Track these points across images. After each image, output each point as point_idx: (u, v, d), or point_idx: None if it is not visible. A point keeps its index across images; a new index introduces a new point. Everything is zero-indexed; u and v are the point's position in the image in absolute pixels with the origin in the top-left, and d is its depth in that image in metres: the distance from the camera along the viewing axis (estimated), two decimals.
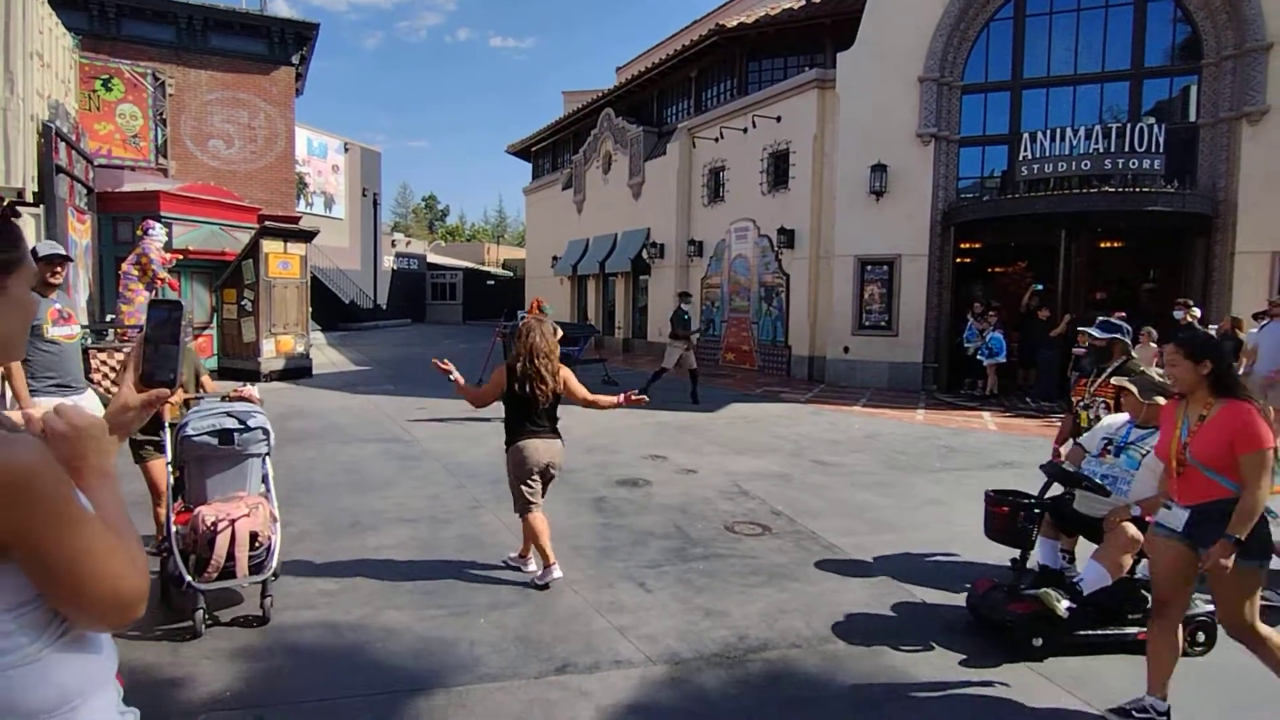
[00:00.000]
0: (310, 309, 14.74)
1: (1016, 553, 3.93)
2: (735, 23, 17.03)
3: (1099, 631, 3.71)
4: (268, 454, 4.14)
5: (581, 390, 4.51)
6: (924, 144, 13.66)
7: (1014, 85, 13.76)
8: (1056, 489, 4.14)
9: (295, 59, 18.11)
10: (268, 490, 4.09)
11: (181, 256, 13.26)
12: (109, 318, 11.24)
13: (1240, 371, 9.63)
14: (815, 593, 4.36)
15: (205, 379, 4.71)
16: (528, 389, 4.25)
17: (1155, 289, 14.42)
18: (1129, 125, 12.02)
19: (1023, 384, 13.69)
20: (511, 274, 42.72)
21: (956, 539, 5.35)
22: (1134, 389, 3.96)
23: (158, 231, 10.33)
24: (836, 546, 5.16)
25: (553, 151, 29.37)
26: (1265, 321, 9.13)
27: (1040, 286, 13.69)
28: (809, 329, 15.40)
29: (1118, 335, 4.55)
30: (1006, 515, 3.96)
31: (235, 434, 3.85)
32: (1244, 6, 11.82)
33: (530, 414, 4.33)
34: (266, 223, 13.92)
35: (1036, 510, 3.91)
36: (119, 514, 1.12)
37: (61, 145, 9.49)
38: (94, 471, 1.13)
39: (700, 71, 19.43)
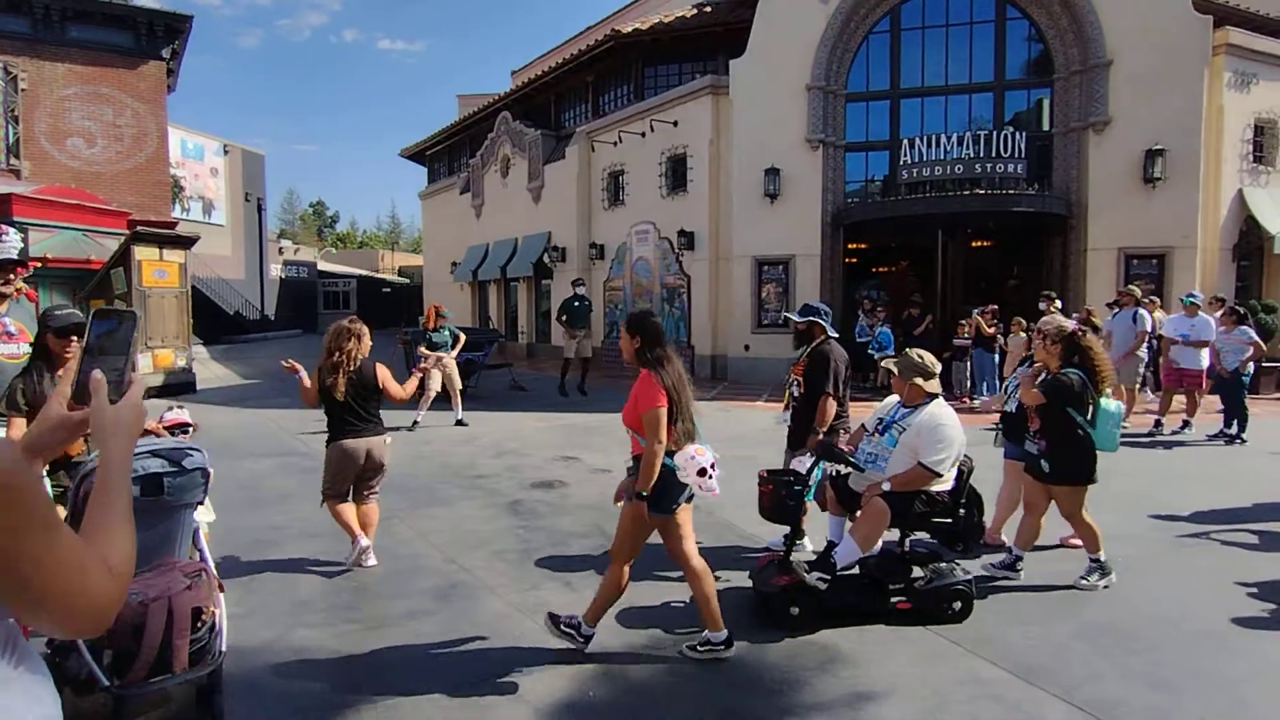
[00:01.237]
0: (191, 320, 13.85)
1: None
2: (630, 29, 17.28)
3: (852, 601, 3.95)
4: (201, 502, 3.22)
5: (394, 388, 4.84)
6: (813, 149, 14.32)
7: (893, 94, 14.65)
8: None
9: (165, 53, 16.97)
10: (200, 551, 3.17)
11: (40, 264, 12.17)
12: None
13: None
14: (732, 579, 4.53)
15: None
16: (329, 383, 4.58)
17: (1020, 284, 15.73)
18: (994, 133, 13.05)
19: None
20: (409, 281, 41.52)
21: None
22: (895, 370, 4.28)
23: (11, 237, 9.43)
24: (755, 535, 5.36)
25: (449, 155, 28.77)
26: (1116, 310, 10.14)
27: (918, 297, 14.62)
28: (711, 328, 15.80)
29: (815, 318, 4.89)
30: (771, 493, 4.22)
31: (166, 480, 2.83)
32: (1086, 27, 13.07)
33: (342, 412, 4.63)
34: (139, 228, 12.98)
35: (798, 488, 4.14)
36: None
37: None
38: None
39: (597, 76, 19.57)
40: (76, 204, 14.13)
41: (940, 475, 3.93)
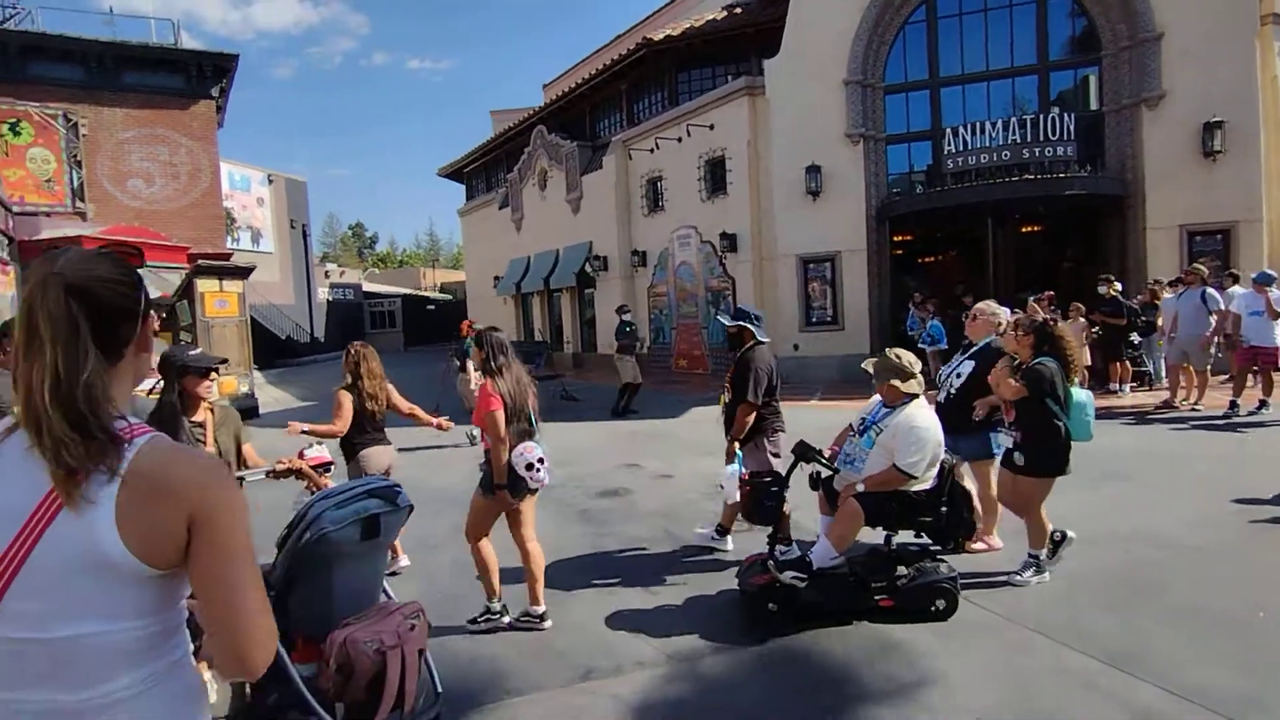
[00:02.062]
0: (251, 347, 14.30)
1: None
2: (662, 35, 17.35)
3: (833, 598, 3.93)
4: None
5: (401, 401, 5.03)
6: (853, 144, 14.18)
7: (932, 84, 14.43)
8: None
9: (215, 91, 17.59)
10: (384, 588, 2.98)
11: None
12: None
13: (1163, 336, 10.32)
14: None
15: (248, 447, 3.76)
16: (368, 406, 4.80)
17: (1074, 268, 15.33)
18: (1041, 115, 12.76)
19: None
20: (451, 297, 42.20)
21: None
22: (871, 370, 4.24)
23: None
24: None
25: (486, 171, 29.22)
26: (1181, 290, 9.82)
27: (961, 288, 14.33)
28: None
29: (744, 323, 4.87)
30: (749, 494, 4.30)
31: (382, 519, 2.64)
32: (1134, 1, 12.71)
33: (368, 426, 4.85)
34: (199, 261, 13.48)
35: (774, 488, 4.21)
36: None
37: None
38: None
39: (631, 84, 19.69)
40: (140, 241, 14.72)
41: (915, 477, 3.91)
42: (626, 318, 12.67)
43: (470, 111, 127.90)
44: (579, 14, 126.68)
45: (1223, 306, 9.24)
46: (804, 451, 4.14)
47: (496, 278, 25.97)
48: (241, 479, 3.03)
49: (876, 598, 3.91)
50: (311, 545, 2.46)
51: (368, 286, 41.90)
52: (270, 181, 31.46)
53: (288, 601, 2.56)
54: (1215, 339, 9.31)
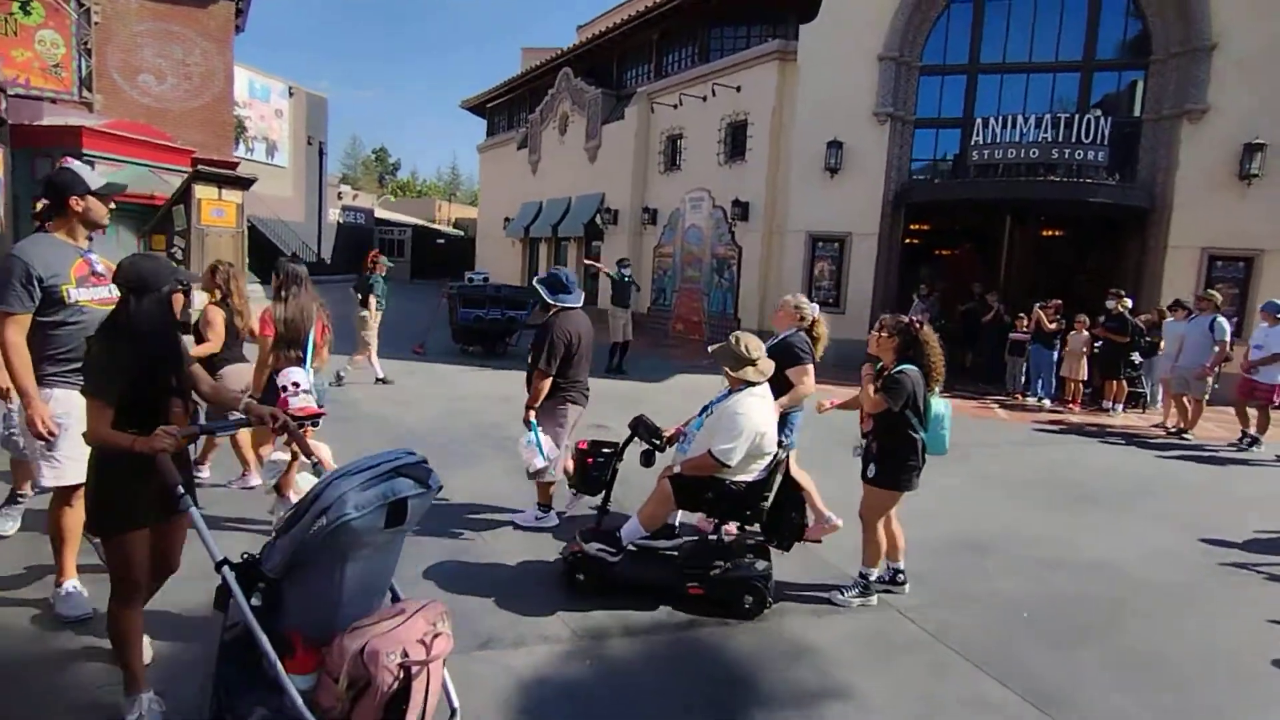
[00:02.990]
0: (247, 260, 14.10)
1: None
2: None
3: (643, 577, 3.93)
4: None
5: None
6: (880, 123, 13.69)
7: (970, 69, 13.85)
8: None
9: None
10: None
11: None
12: None
13: (1166, 360, 10.03)
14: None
15: (206, 383, 2.84)
16: (236, 322, 4.93)
17: (1091, 278, 14.92)
18: (1077, 116, 12.24)
19: (961, 366, 14.06)
20: (463, 233, 41.79)
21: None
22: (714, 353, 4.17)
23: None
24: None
25: (509, 109, 28.59)
26: (1192, 315, 9.50)
27: (979, 287, 13.98)
28: (759, 303, 15.45)
29: (547, 288, 4.87)
30: (575, 462, 4.45)
31: (411, 503, 2.19)
32: (1192, 5, 12.07)
33: (233, 344, 4.93)
34: (200, 167, 13.19)
35: (602, 460, 4.36)
36: None
37: None
38: None
39: (662, 35, 19.05)
40: (144, 140, 14.41)
41: (727, 465, 3.76)
42: (627, 271, 12.39)
43: (504, 46, 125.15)
44: None
45: (1228, 337, 8.95)
46: (639, 427, 4.17)
47: (507, 219, 25.62)
48: (210, 431, 2.71)
49: (688, 584, 3.85)
50: (327, 533, 2.04)
51: (380, 213, 41.47)
52: (291, 94, 30.88)
53: (285, 597, 2.16)
54: (1215, 369, 9.03)
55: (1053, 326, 10.98)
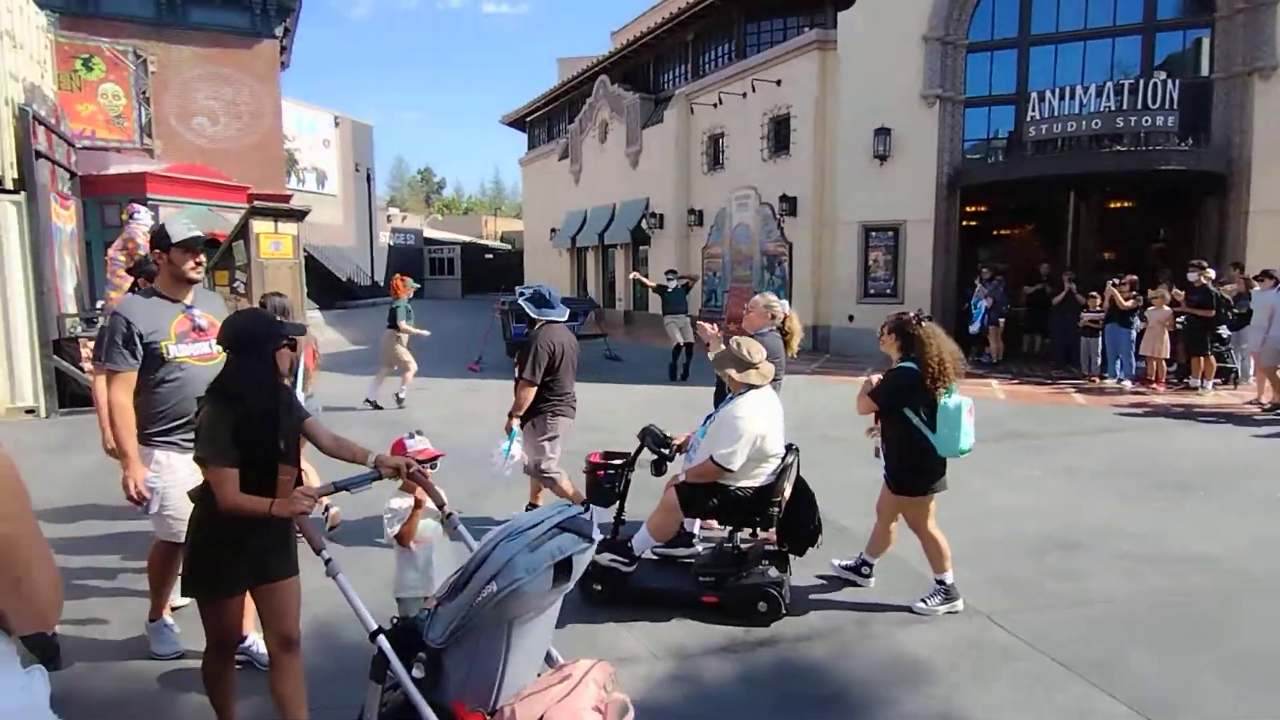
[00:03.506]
0: (306, 289, 14.50)
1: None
2: None
3: (658, 586, 3.95)
4: None
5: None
6: (928, 105, 13.26)
7: (1021, 42, 13.31)
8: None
9: (279, 31, 17.62)
10: None
11: None
12: (98, 304, 11.04)
13: (1257, 331, 9.41)
14: (829, 577, 4.22)
15: (327, 436, 2.70)
16: None
17: (1165, 249, 14.16)
18: (1141, 80, 11.62)
19: (1029, 350, 13.50)
20: (510, 247, 42.34)
21: (970, 518, 5.19)
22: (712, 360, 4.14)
23: (143, 215, 10.07)
24: (848, 529, 5.00)
25: (548, 121, 28.82)
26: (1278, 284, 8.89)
27: (1046, 268, 13.39)
28: (813, 298, 15.14)
29: (531, 304, 4.86)
30: (587, 475, 4.38)
31: (576, 560, 2.06)
32: None
33: None
34: (255, 202, 13.62)
35: (613, 471, 4.27)
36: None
37: (40, 129, 9.21)
38: None
39: (697, 35, 18.90)
40: (202, 180, 14.98)
41: (729, 470, 3.73)
42: (673, 283, 12.30)
43: (540, 58, 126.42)
44: None
45: None
46: (647, 437, 4.12)
47: (553, 230, 25.79)
48: (344, 488, 2.43)
49: (703, 593, 3.80)
50: (498, 600, 1.89)
51: (429, 233, 42.34)
52: (337, 124, 31.77)
53: (447, 666, 2.01)
54: None
55: (1128, 304, 10.43)
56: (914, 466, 3.82)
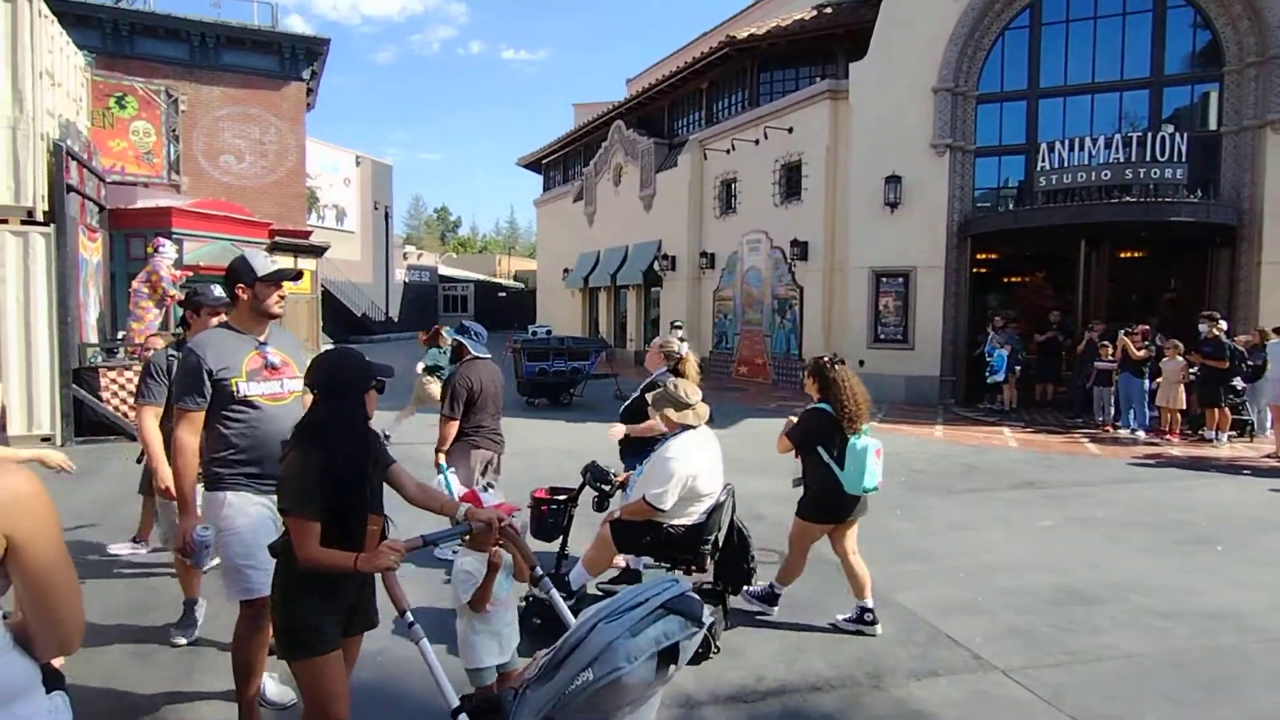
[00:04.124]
0: (321, 323, 14.69)
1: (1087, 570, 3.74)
2: (746, 34, 16.93)
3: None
4: None
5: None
6: (939, 154, 13.46)
7: (1030, 94, 13.55)
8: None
9: (306, 74, 18.17)
10: None
11: (192, 273, 13.22)
12: (120, 334, 11.21)
13: (1273, 384, 9.38)
14: (837, 627, 4.17)
15: (412, 485, 2.52)
16: None
17: (1176, 299, 14.16)
18: (1149, 134, 11.77)
19: (1041, 399, 13.45)
20: (523, 286, 42.79)
21: (983, 568, 5.14)
22: (650, 401, 4.15)
23: (168, 249, 10.30)
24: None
25: (563, 163, 29.37)
26: None
27: (1058, 312, 13.42)
28: (823, 342, 15.18)
29: (463, 338, 4.99)
30: (532, 510, 4.38)
31: (682, 646, 1.88)
32: (1267, 13, 11.59)
33: None
34: (276, 238, 13.90)
35: (555, 507, 4.32)
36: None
37: (72, 164, 9.48)
38: None
39: (711, 83, 19.33)
40: (226, 216, 15.31)
41: (661, 509, 3.79)
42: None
43: (557, 103, 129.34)
44: (670, 10, 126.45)
45: None
46: (588, 474, 4.21)
47: (566, 270, 26.07)
48: (432, 542, 2.29)
49: None
50: (595, 690, 1.72)
51: (443, 270, 42.88)
52: (358, 164, 32.50)
53: None
54: None
55: (1141, 354, 10.41)
56: (824, 500, 4.10)
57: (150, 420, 3.50)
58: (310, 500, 2.15)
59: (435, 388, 9.73)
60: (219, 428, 2.86)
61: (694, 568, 4.06)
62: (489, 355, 5.11)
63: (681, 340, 5.43)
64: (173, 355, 3.65)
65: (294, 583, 2.25)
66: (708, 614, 3.65)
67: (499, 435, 5.13)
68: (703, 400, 4.09)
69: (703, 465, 3.93)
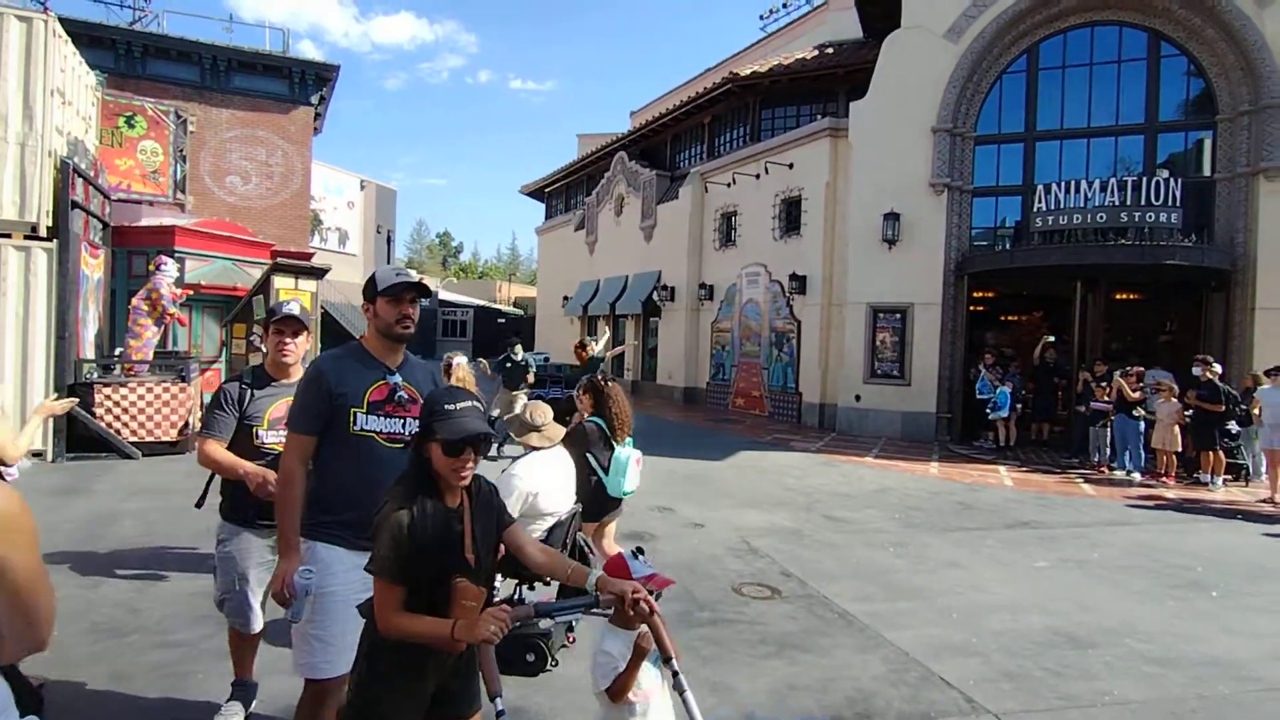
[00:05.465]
0: (321, 345, 14.68)
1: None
2: (749, 71, 17.23)
3: None
4: None
5: None
6: (937, 193, 13.62)
7: (1027, 137, 13.76)
8: None
9: (314, 99, 18.40)
10: None
11: (193, 292, 13.27)
12: (117, 351, 11.20)
13: (1259, 428, 9.41)
14: (828, 666, 4.12)
15: (533, 547, 2.28)
16: None
17: (1172, 341, 14.23)
18: (1144, 178, 11.93)
19: (1037, 438, 13.44)
20: (522, 312, 42.85)
21: (977, 608, 5.10)
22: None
23: (169, 267, 10.35)
24: (850, 614, 4.91)
25: (566, 192, 29.64)
26: None
27: (1054, 338, 13.52)
28: (820, 376, 15.21)
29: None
30: None
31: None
32: (1258, 64, 11.82)
33: None
34: (279, 259, 13.94)
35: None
36: None
37: (79, 181, 9.55)
38: None
39: (714, 118, 19.61)
40: (229, 236, 15.40)
41: None
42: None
43: (562, 132, 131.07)
44: (675, 46, 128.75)
45: None
46: None
47: (565, 298, 26.17)
48: (547, 613, 2.06)
49: None
50: None
51: (444, 294, 42.96)
52: (363, 188, 32.76)
53: None
54: None
55: (1136, 395, 10.43)
56: (592, 500, 4.55)
57: (212, 448, 3.06)
58: (395, 562, 1.90)
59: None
60: (327, 463, 2.43)
61: (540, 582, 4.17)
62: None
63: (596, 344, 5.84)
64: (245, 384, 3.20)
65: (376, 653, 2.01)
66: (544, 625, 3.86)
67: None
68: (563, 420, 4.51)
69: (545, 484, 4.10)
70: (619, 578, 2.21)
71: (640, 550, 2.52)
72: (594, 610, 1.98)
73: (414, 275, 2.53)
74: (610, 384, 4.75)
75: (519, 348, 10.87)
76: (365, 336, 2.59)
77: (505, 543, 2.15)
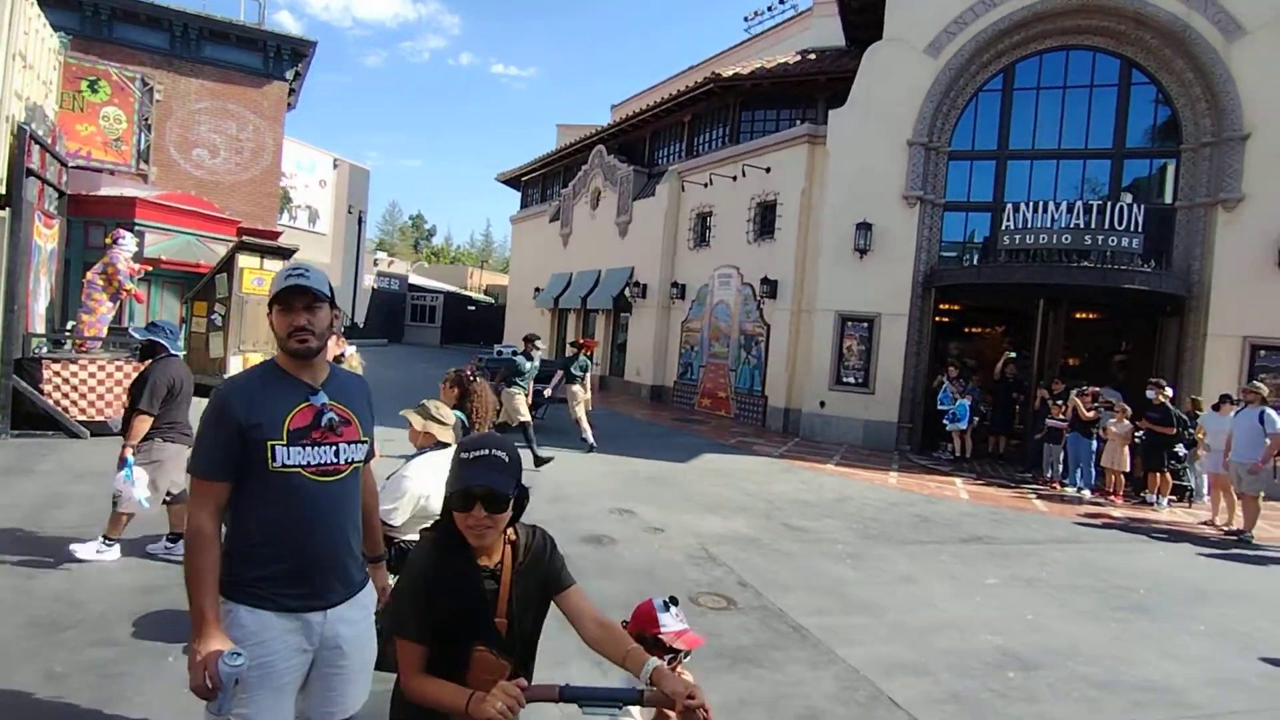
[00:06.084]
0: None
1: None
2: (731, 72, 17.24)
3: None
4: None
5: None
6: (909, 205, 13.79)
7: (999, 155, 13.99)
8: None
9: (289, 74, 18.00)
10: None
11: (152, 267, 12.93)
12: (69, 324, 10.86)
13: (1203, 454, 9.74)
14: (780, 682, 4.16)
15: (590, 619, 1.95)
16: None
17: (1127, 361, 14.63)
18: (1109, 203, 12.20)
19: (994, 451, 13.73)
20: (493, 300, 42.52)
21: (928, 626, 5.19)
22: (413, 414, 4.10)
23: (127, 241, 10.04)
24: (804, 628, 4.96)
25: (542, 183, 29.42)
26: (1240, 407, 9.21)
27: (1015, 354, 13.82)
28: (786, 381, 15.34)
29: (155, 336, 5.15)
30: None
31: None
32: (1222, 97, 12.16)
33: None
34: (244, 238, 13.63)
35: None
36: None
37: (35, 148, 9.21)
38: None
39: (694, 117, 19.61)
40: (193, 210, 15.02)
41: (392, 525, 3.80)
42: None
43: (542, 122, 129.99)
44: (659, 42, 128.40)
45: (1279, 429, 8.62)
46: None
47: (537, 289, 26.02)
48: (575, 698, 1.65)
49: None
50: None
51: (414, 279, 42.45)
52: (335, 166, 32.16)
53: None
54: (1267, 463, 8.68)
55: (1090, 415, 10.70)
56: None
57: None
58: (413, 619, 1.75)
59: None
60: (242, 509, 2.02)
61: None
62: (183, 353, 5.33)
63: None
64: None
65: (399, 714, 1.85)
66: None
67: (190, 429, 5.24)
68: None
69: (436, 486, 3.99)
70: (645, 630, 1.97)
71: (674, 600, 2.26)
72: (632, 703, 1.69)
73: (307, 277, 2.04)
74: (478, 379, 4.65)
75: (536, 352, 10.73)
76: (280, 354, 2.14)
77: (561, 609, 1.91)
